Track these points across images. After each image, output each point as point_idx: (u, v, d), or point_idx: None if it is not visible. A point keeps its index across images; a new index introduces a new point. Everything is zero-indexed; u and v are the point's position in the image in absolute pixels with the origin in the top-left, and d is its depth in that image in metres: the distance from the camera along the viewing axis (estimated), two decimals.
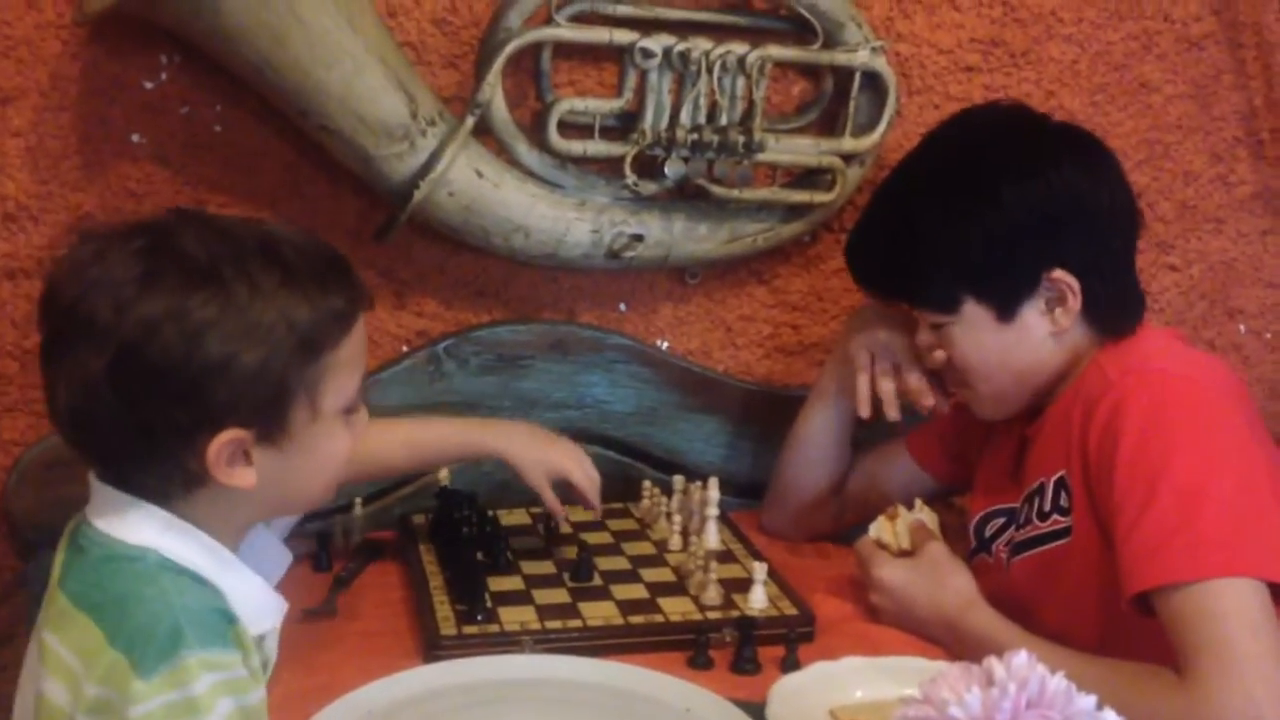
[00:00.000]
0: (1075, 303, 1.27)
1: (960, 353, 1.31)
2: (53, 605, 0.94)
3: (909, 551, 1.35)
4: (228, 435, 0.91)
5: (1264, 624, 1.09)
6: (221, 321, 0.89)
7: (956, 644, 1.26)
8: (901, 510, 1.38)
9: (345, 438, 0.99)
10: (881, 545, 1.36)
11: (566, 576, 1.37)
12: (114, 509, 0.94)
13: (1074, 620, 1.26)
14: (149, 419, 0.90)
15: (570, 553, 1.40)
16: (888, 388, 1.42)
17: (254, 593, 0.97)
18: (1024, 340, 1.29)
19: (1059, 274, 1.26)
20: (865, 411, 1.44)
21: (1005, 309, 1.28)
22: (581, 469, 1.37)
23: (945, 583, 1.29)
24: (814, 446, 1.52)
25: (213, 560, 0.95)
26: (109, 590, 0.91)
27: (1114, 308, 1.29)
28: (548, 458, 1.36)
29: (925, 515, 1.38)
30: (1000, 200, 1.26)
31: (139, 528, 0.93)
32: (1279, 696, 1.06)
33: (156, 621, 0.88)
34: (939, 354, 1.34)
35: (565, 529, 1.45)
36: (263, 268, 0.92)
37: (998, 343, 1.29)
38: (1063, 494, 1.27)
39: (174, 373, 0.89)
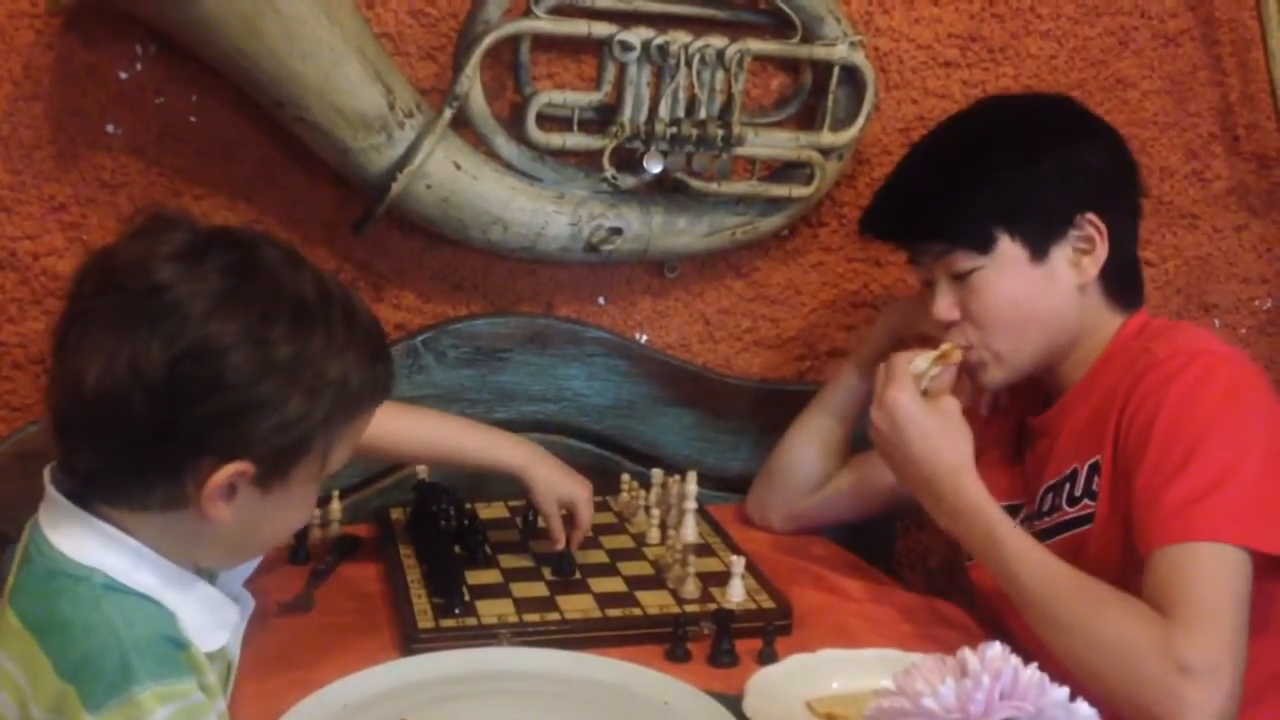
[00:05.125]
0: (1102, 251, 1.30)
1: (985, 303, 1.31)
2: (3, 617, 0.92)
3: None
4: (238, 467, 0.90)
5: (1245, 596, 1.13)
6: (294, 363, 0.89)
7: (934, 500, 1.26)
8: (955, 351, 1.32)
9: (313, 498, 0.99)
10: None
11: (547, 570, 1.37)
12: (62, 520, 0.92)
13: None
14: (180, 426, 0.87)
15: (550, 547, 1.41)
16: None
17: (207, 607, 0.96)
18: (1051, 286, 1.30)
19: (1091, 217, 1.29)
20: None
21: (1038, 248, 1.30)
22: (589, 509, 1.38)
23: (949, 434, 1.27)
24: (820, 432, 1.52)
25: (160, 578, 0.93)
26: (54, 614, 0.89)
27: (1127, 278, 1.34)
28: (563, 487, 1.36)
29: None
30: (1041, 148, 1.31)
31: (85, 544, 0.91)
32: (1236, 667, 1.10)
33: (103, 655, 0.87)
34: (956, 314, 1.32)
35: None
36: (341, 322, 0.93)
37: (1027, 286, 1.30)
38: (1095, 478, 1.27)
39: (231, 393, 0.88)
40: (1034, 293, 1.31)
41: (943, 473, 1.26)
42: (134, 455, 0.90)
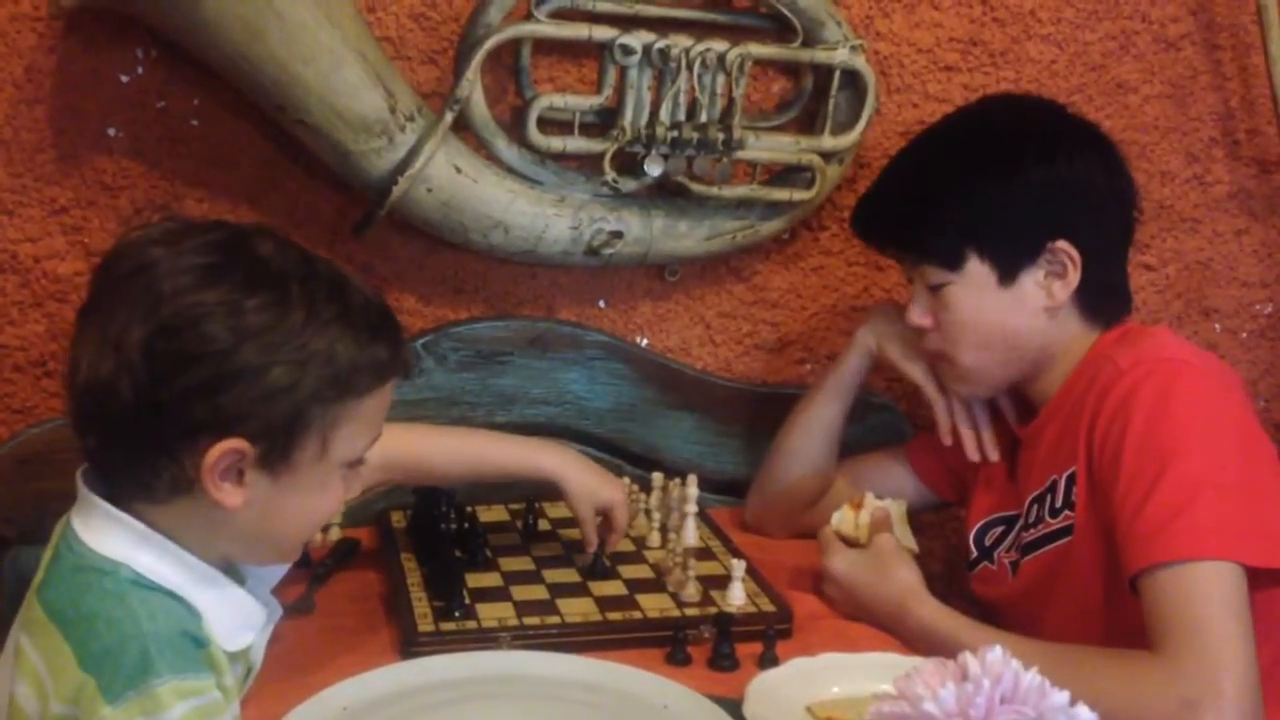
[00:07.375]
0: (1074, 277, 1.29)
1: (955, 316, 1.32)
2: (30, 609, 0.93)
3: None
4: (232, 443, 0.90)
5: (1241, 608, 1.12)
6: (270, 331, 0.89)
7: (900, 633, 1.27)
8: (868, 499, 1.38)
9: (339, 492, 0.98)
10: (842, 535, 1.37)
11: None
12: (93, 516, 0.93)
13: (1078, 618, 1.26)
14: (165, 403, 0.88)
15: (556, 549, 1.42)
16: (968, 432, 1.42)
17: (234, 607, 0.96)
18: (1019, 307, 1.31)
19: (1063, 244, 1.28)
20: (948, 440, 1.43)
21: (1006, 272, 1.30)
22: (625, 513, 1.37)
23: (888, 573, 1.30)
24: (812, 438, 1.51)
25: (188, 576, 0.93)
26: (80, 606, 0.90)
27: (1106, 296, 1.33)
28: (600, 491, 1.35)
29: (891, 505, 1.38)
30: (1018, 168, 1.30)
31: (114, 539, 0.92)
32: (1242, 678, 1.08)
33: (124, 647, 0.87)
34: (929, 321, 1.34)
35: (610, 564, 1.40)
36: (327, 298, 0.93)
37: (994, 306, 1.31)
38: (1073, 489, 1.28)
39: (207, 362, 0.88)
40: (1001, 314, 1.31)
41: (892, 606, 1.28)
42: (131, 437, 0.91)
